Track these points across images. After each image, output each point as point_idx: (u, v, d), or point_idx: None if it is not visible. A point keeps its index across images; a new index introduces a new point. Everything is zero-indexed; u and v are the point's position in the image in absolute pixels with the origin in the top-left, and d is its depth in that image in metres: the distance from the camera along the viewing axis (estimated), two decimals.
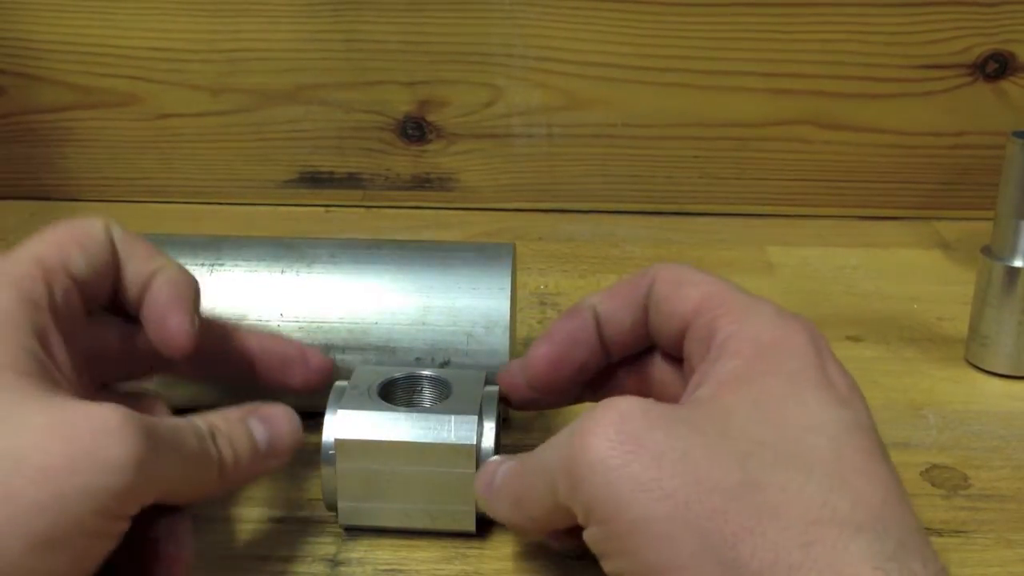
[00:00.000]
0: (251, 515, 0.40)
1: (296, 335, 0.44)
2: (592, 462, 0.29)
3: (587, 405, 0.39)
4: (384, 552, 0.38)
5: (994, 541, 0.39)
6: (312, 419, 0.39)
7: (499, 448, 0.39)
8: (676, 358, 0.37)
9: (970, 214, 0.71)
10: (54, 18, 0.70)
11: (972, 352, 0.52)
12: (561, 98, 0.71)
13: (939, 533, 0.40)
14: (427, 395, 0.41)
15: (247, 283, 0.45)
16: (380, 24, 0.69)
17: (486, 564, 0.38)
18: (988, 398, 0.50)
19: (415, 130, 0.72)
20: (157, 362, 0.40)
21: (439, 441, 0.37)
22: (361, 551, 0.39)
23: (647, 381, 0.39)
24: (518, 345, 0.50)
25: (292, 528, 0.40)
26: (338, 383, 0.40)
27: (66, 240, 0.37)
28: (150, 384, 0.43)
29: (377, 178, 0.73)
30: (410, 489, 0.38)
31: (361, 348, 0.44)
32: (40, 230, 0.38)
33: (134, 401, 0.35)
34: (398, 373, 0.41)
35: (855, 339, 0.55)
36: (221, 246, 0.46)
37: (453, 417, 0.38)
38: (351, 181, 0.73)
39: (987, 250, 0.51)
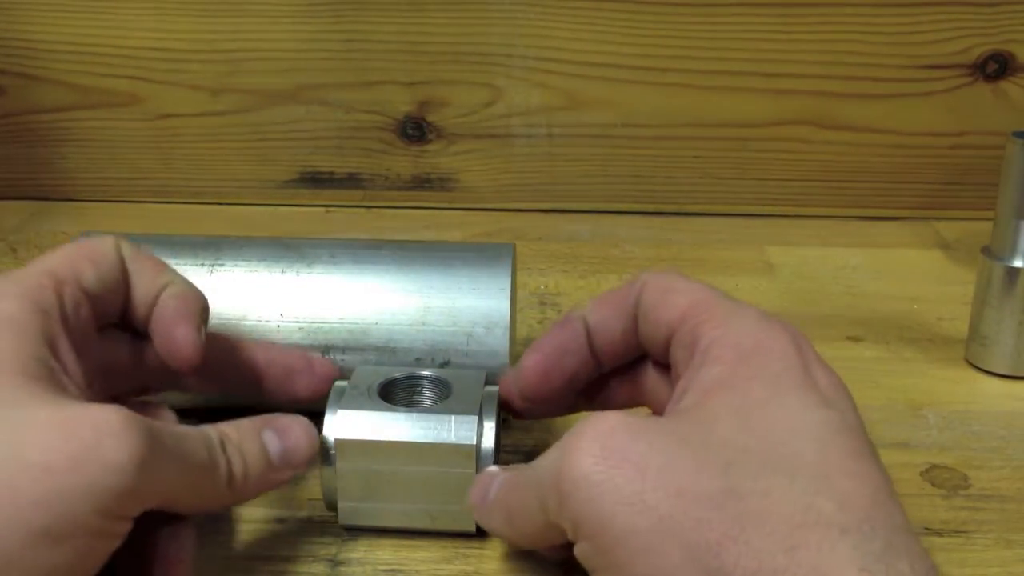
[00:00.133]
0: (252, 515, 0.40)
1: (296, 335, 0.44)
2: (576, 478, 0.30)
3: (584, 414, 0.39)
4: (384, 552, 0.38)
5: (994, 541, 0.39)
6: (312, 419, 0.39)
7: (499, 448, 0.39)
8: (666, 366, 0.37)
9: (970, 214, 0.71)
10: (54, 18, 0.70)
11: (972, 352, 0.52)
12: (561, 98, 0.71)
13: (939, 533, 0.40)
14: (427, 395, 0.41)
15: (247, 283, 0.45)
16: (380, 24, 0.69)
17: (486, 564, 0.38)
18: (988, 398, 0.50)
19: (415, 130, 0.72)
20: (165, 377, 0.40)
21: (439, 441, 0.37)
22: (361, 551, 0.39)
23: (639, 390, 0.39)
24: (518, 345, 0.50)
25: (292, 528, 0.40)
26: (338, 383, 0.40)
27: (77, 255, 0.37)
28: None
29: (377, 178, 0.73)
30: (410, 489, 0.38)
31: (361, 348, 0.44)
32: (53, 247, 0.38)
33: (140, 408, 0.36)
34: (398, 373, 0.41)
35: (855, 339, 0.55)
36: (221, 246, 0.46)
37: (453, 417, 0.38)
38: (351, 181, 0.73)
39: (987, 250, 0.51)
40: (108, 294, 0.38)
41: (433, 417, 0.38)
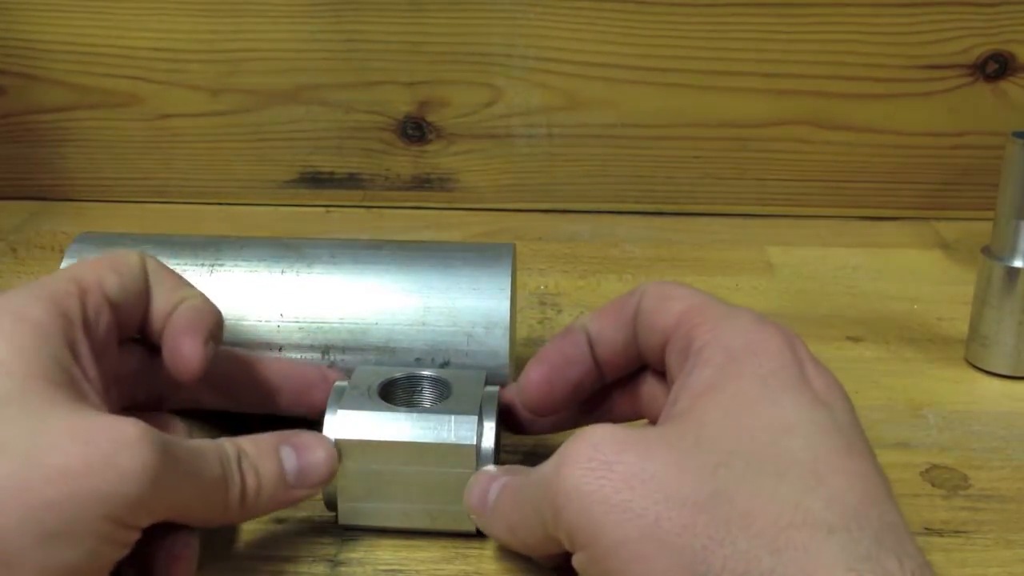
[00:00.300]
0: None
1: (296, 335, 0.44)
2: (568, 491, 0.30)
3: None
4: (384, 552, 0.38)
5: (994, 541, 0.39)
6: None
7: (499, 448, 0.39)
8: (664, 375, 0.37)
9: (970, 214, 0.71)
10: (54, 18, 0.70)
11: (972, 352, 0.52)
12: (561, 98, 0.71)
13: (939, 533, 0.40)
14: (427, 395, 0.41)
15: (247, 283, 0.45)
16: (380, 24, 0.69)
17: (486, 564, 0.38)
18: (988, 398, 0.50)
19: (415, 130, 0.72)
20: (182, 391, 0.41)
21: (439, 441, 0.38)
22: (361, 551, 0.39)
23: (639, 401, 0.39)
24: (518, 345, 0.50)
25: (292, 528, 0.40)
26: (338, 383, 0.41)
27: (103, 264, 0.38)
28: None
29: (377, 178, 0.73)
30: (410, 489, 0.38)
31: (361, 348, 0.44)
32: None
33: (151, 419, 0.36)
34: (398, 373, 0.41)
35: (855, 339, 0.55)
36: (221, 246, 0.46)
37: (453, 417, 0.38)
38: (351, 181, 0.73)
39: (987, 250, 0.51)
40: (130, 304, 0.38)
41: (433, 417, 0.38)
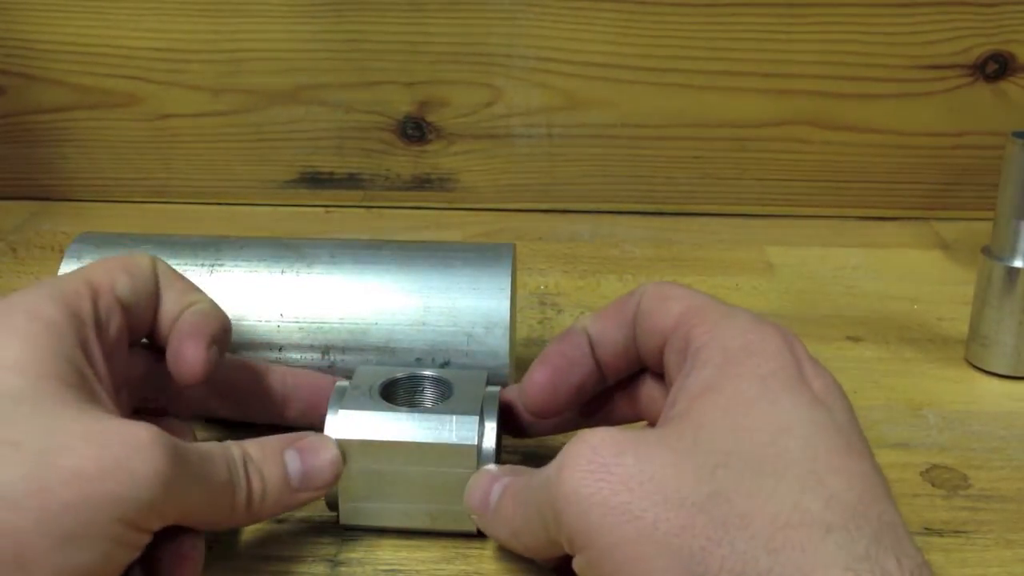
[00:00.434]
0: None
1: (296, 335, 0.44)
2: (567, 495, 0.30)
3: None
4: (384, 552, 0.38)
5: (994, 541, 0.39)
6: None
7: (500, 448, 0.39)
8: (664, 376, 0.37)
9: (970, 214, 0.71)
10: (54, 18, 0.70)
11: (972, 352, 0.52)
12: (561, 98, 0.71)
13: (939, 533, 0.40)
14: (428, 395, 0.41)
15: (247, 283, 0.45)
16: (380, 24, 0.69)
17: (486, 564, 0.38)
18: (988, 398, 0.50)
19: (415, 130, 0.72)
20: (187, 398, 0.41)
21: (440, 441, 0.38)
22: (361, 551, 0.39)
23: (639, 403, 0.39)
24: (518, 345, 0.50)
25: (292, 528, 0.40)
26: (339, 383, 0.40)
27: (114, 266, 0.38)
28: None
29: (377, 178, 0.73)
30: (411, 489, 0.38)
31: (361, 348, 0.44)
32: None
33: (159, 424, 0.36)
34: (399, 373, 0.42)
35: (855, 339, 0.55)
36: (221, 246, 0.46)
37: (454, 417, 0.38)
38: (351, 181, 0.73)
39: (987, 250, 0.51)
40: (140, 307, 0.38)
41: (434, 417, 0.38)
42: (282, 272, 0.45)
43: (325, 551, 0.39)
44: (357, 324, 0.44)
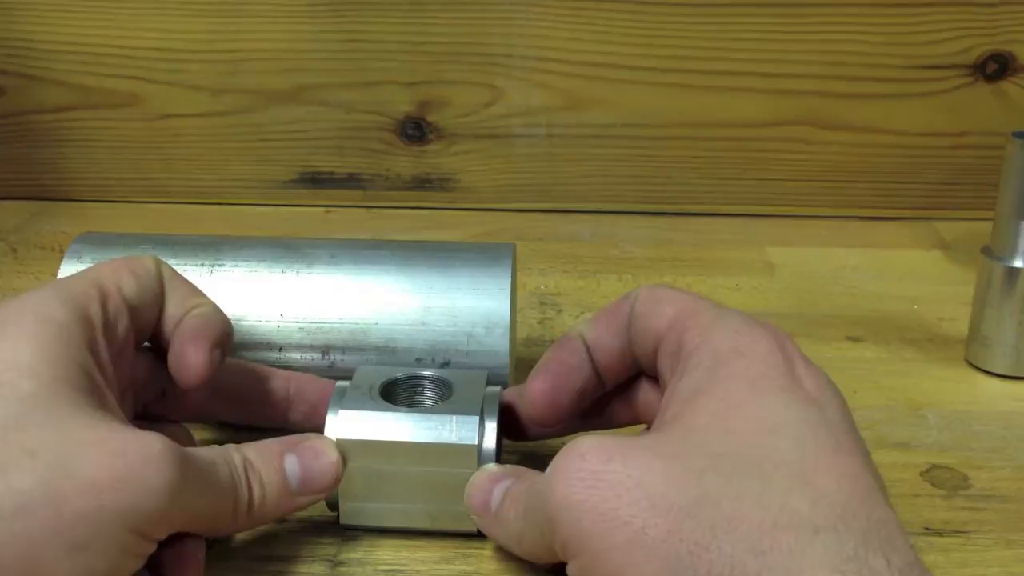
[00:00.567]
0: None
1: (296, 335, 0.44)
2: (558, 503, 0.30)
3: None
4: (384, 552, 0.38)
5: (994, 541, 0.39)
6: None
7: (500, 448, 0.39)
8: (658, 379, 0.37)
9: (970, 214, 0.71)
10: (55, 19, 0.70)
11: (972, 352, 0.52)
12: (561, 98, 0.71)
13: (939, 533, 0.40)
14: (428, 395, 0.41)
15: (247, 283, 0.45)
16: (380, 24, 0.69)
17: (486, 564, 0.38)
18: (988, 398, 0.50)
19: (415, 130, 0.72)
20: (189, 401, 0.41)
21: (441, 441, 0.38)
22: (361, 551, 0.39)
23: (636, 407, 0.39)
24: (518, 345, 0.50)
25: (292, 528, 0.40)
26: (339, 383, 0.40)
27: (121, 267, 0.38)
28: None
29: (377, 178, 0.73)
30: (412, 489, 0.38)
31: (361, 348, 0.44)
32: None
33: (160, 429, 0.36)
34: (399, 373, 0.41)
35: (855, 339, 0.55)
36: (221, 246, 0.46)
37: (455, 417, 0.38)
38: (351, 181, 0.73)
39: (987, 250, 0.51)
40: (146, 309, 0.38)
41: (435, 417, 0.38)
42: (282, 272, 0.45)
43: (325, 551, 0.39)
44: (357, 324, 0.44)
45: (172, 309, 0.39)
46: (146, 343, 0.40)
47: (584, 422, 0.40)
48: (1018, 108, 0.69)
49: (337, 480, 0.37)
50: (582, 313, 0.58)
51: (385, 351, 0.44)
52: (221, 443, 0.37)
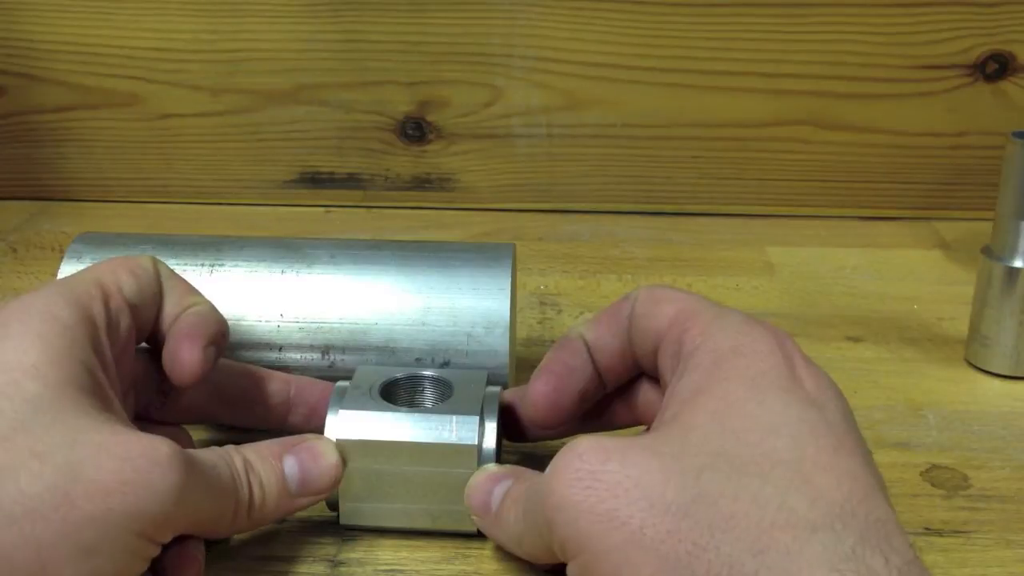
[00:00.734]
0: None
1: (296, 335, 0.44)
2: (557, 503, 0.30)
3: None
4: (384, 552, 0.38)
5: (994, 541, 0.39)
6: None
7: (500, 448, 0.39)
8: (659, 380, 0.37)
9: (970, 214, 0.71)
10: (55, 18, 0.70)
11: (972, 352, 0.52)
12: (561, 98, 0.71)
13: (939, 533, 0.40)
14: (428, 395, 0.41)
15: (247, 283, 0.45)
16: (380, 24, 0.69)
17: (486, 564, 0.38)
18: (988, 398, 0.50)
19: (415, 130, 0.72)
20: (186, 402, 0.41)
21: (441, 441, 0.38)
22: (361, 551, 0.39)
23: (636, 408, 0.39)
24: (518, 345, 0.50)
25: (292, 528, 0.40)
26: (339, 383, 0.40)
27: (120, 267, 0.38)
28: None
29: (377, 178, 0.73)
30: (412, 489, 0.38)
31: (361, 349, 0.44)
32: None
33: (161, 430, 0.36)
34: (399, 373, 0.42)
35: (855, 339, 0.55)
36: (221, 246, 0.46)
37: (455, 417, 0.38)
38: (351, 181, 0.73)
39: (987, 250, 0.51)
40: (145, 307, 0.38)
41: (435, 417, 0.38)
42: (282, 272, 0.45)
43: (325, 551, 0.39)
44: (357, 324, 0.44)
45: (170, 308, 0.39)
46: (144, 343, 0.40)
47: (584, 424, 0.40)
48: (1018, 108, 0.69)
49: (336, 482, 0.37)
50: (582, 313, 0.58)
51: (385, 351, 0.44)
52: (220, 444, 0.37)
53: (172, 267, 0.41)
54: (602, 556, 0.29)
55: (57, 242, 0.67)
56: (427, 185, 0.73)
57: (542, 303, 0.59)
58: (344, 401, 0.39)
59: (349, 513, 0.39)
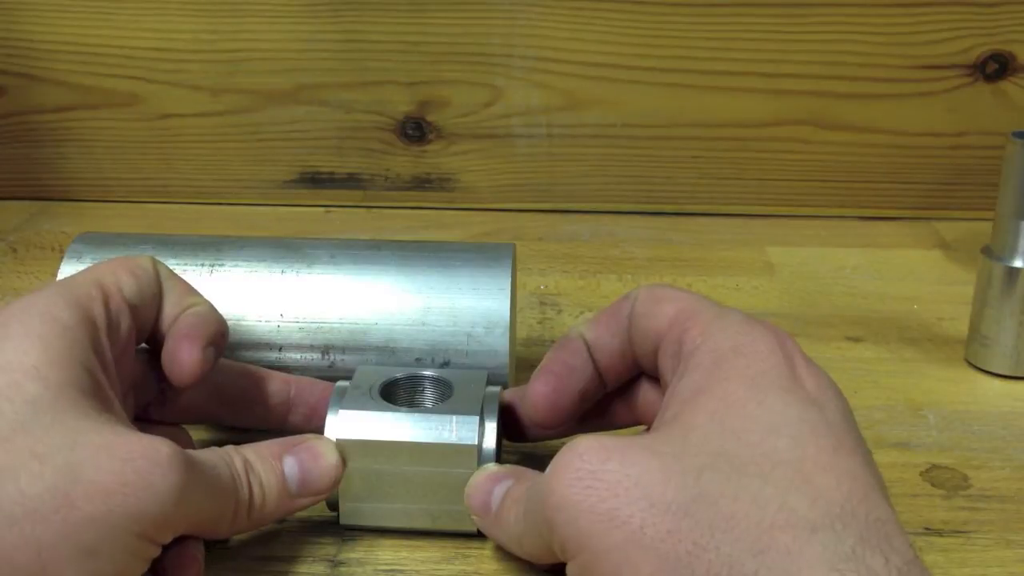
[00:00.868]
0: None
1: (296, 335, 0.44)
2: (557, 504, 0.30)
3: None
4: (384, 552, 0.38)
5: (994, 541, 0.39)
6: None
7: (500, 448, 0.39)
8: (659, 380, 0.37)
9: (970, 214, 0.71)
10: (55, 18, 0.70)
11: (972, 352, 0.52)
12: (561, 98, 0.71)
13: (939, 533, 0.40)
14: (428, 395, 0.41)
15: (247, 283, 0.45)
16: (380, 24, 0.69)
17: (486, 564, 0.38)
18: (988, 398, 0.50)
19: (415, 130, 0.72)
20: (185, 402, 0.41)
21: (441, 441, 0.38)
22: (361, 551, 0.39)
23: (636, 408, 0.39)
24: (518, 345, 0.50)
25: (292, 528, 0.40)
26: (339, 383, 0.40)
27: (119, 267, 0.38)
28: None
29: (377, 178, 0.73)
30: (412, 489, 0.38)
31: (361, 349, 0.44)
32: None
33: (161, 430, 0.36)
34: (399, 373, 0.42)
35: (855, 339, 0.55)
36: (221, 246, 0.46)
37: (455, 417, 0.38)
38: (351, 181, 0.73)
39: (987, 250, 0.51)
40: (145, 308, 0.38)
41: (435, 417, 0.38)
42: (282, 272, 0.45)
43: (325, 551, 0.39)
44: (357, 324, 0.44)
45: (169, 308, 0.39)
46: (144, 344, 0.40)
47: (584, 424, 0.40)
48: (1018, 108, 0.69)
49: (336, 482, 0.37)
50: (582, 313, 0.58)
51: (385, 351, 0.44)
52: (220, 444, 0.37)
53: (172, 267, 0.41)
54: (602, 555, 0.29)
55: (57, 242, 0.67)
56: (427, 185, 0.73)
57: (542, 303, 0.59)
58: (344, 401, 0.39)
59: (349, 513, 0.39)
